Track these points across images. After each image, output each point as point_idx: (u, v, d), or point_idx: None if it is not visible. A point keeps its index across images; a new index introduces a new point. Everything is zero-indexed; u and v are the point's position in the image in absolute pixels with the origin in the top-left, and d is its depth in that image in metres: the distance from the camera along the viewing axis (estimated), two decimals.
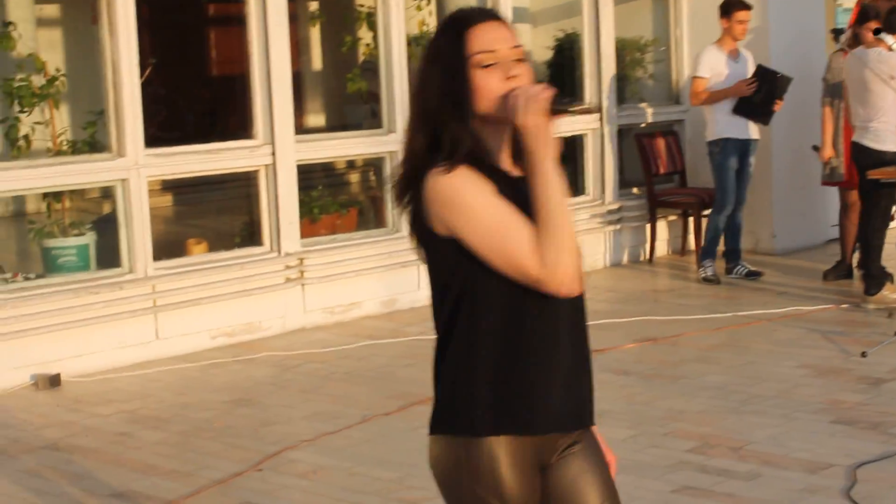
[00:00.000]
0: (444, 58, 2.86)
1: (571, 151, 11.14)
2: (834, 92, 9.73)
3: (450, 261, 2.87)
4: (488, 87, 2.83)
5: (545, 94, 2.77)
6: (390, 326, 9.02)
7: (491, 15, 2.91)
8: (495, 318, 2.86)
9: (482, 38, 2.83)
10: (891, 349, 7.73)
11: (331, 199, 9.93)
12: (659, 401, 6.98)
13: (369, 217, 10.08)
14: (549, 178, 2.76)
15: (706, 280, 9.98)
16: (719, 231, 10.08)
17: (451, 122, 2.84)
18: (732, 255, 10.20)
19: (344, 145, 9.72)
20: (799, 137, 10.69)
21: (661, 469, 5.83)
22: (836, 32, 9.75)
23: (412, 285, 9.56)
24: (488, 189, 2.81)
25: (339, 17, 11.68)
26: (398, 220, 9.57)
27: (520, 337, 2.87)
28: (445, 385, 2.97)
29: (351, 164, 11.01)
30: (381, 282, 9.45)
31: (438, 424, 3.01)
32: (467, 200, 2.79)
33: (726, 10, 9.96)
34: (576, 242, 2.78)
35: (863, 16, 9.50)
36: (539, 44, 12.08)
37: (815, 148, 10.08)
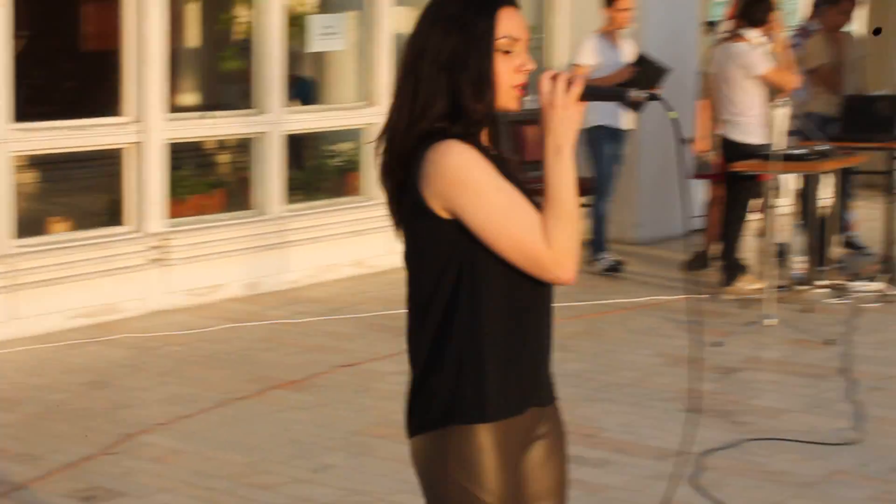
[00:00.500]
0: (475, 34, 2.75)
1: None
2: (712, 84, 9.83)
3: (445, 240, 2.75)
4: (502, 72, 2.77)
5: (579, 79, 2.74)
6: (253, 309, 8.95)
7: (513, 1, 2.83)
8: (499, 301, 2.78)
9: (511, 22, 2.77)
10: (744, 339, 7.87)
11: (199, 179, 9.81)
12: None
13: (237, 198, 9.97)
14: (568, 163, 2.73)
15: (606, 272, 9.91)
16: (603, 219, 10.09)
17: (470, 100, 2.75)
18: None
19: (215, 125, 9.60)
20: (667, 128, 10.77)
21: None
22: (710, 24, 9.85)
23: (277, 268, 9.50)
24: (493, 170, 2.73)
25: None
26: (265, 202, 9.50)
27: (521, 318, 2.82)
28: (449, 375, 2.79)
29: (221, 144, 10.89)
30: (246, 264, 9.36)
31: (443, 416, 2.80)
32: (476, 179, 2.69)
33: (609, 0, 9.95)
34: (580, 231, 2.75)
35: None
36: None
37: (685, 141, 10.19)
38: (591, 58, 9.88)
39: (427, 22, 2.79)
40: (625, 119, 10.02)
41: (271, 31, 9.40)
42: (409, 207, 2.78)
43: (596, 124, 9.88)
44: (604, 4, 9.95)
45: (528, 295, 2.81)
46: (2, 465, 5.77)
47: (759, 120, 8.87)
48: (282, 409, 6.63)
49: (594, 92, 2.79)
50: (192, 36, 12.70)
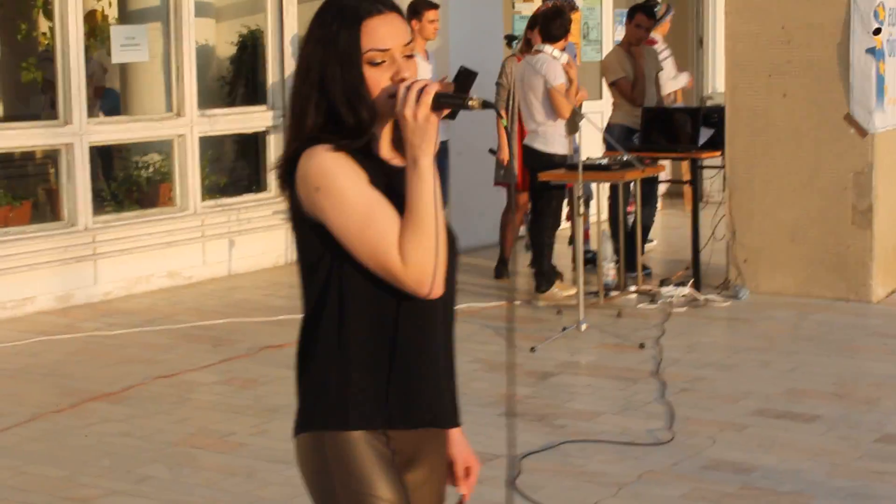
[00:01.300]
0: (338, 49, 2.73)
1: (250, 147, 11.14)
2: (509, 96, 10.01)
3: (315, 248, 2.75)
4: (377, 84, 2.74)
5: (431, 87, 2.68)
6: (65, 322, 8.78)
7: (388, 5, 2.78)
8: (365, 307, 2.74)
9: (376, 34, 2.73)
10: (558, 344, 8.01)
11: (2, 191, 9.58)
12: None
13: (45, 210, 9.77)
14: (425, 176, 2.66)
15: None
16: None
17: (346, 114, 2.73)
18: None
19: (18, 136, 9.40)
20: (478, 138, 10.91)
21: None
22: (510, 39, 10.03)
23: (88, 280, 9.35)
24: (361, 177, 2.69)
25: (16, 4, 11.29)
26: (74, 213, 9.33)
27: (391, 327, 2.75)
28: (314, 378, 2.80)
29: (27, 156, 10.64)
30: (57, 276, 9.19)
31: (310, 420, 2.80)
32: (337, 184, 2.66)
33: (416, 12, 9.88)
34: (443, 244, 2.67)
35: (532, 21, 9.86)
36: (222, 39, 11.99)
37: (493, 151, 10.35)
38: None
39: (304, 40, 2.80)
40: (441, 131, 10.08)
41: (73, 42, 9.25)
42: (291, 214, 2.77)
43: None
44: (410, 16, 10.00)
45: (401, 308, 2.75)
46: None
47: (560, 130, 9.06)
48: (97, 422, 6.52)
49: (440, 99, 2.73)
50: None
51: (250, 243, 10.56)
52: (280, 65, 10.80)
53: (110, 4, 10.83)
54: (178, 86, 10.15)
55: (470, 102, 2.74)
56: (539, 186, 9.17)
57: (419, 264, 2.65)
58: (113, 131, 9.97)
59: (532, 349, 7.87)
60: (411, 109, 2.66)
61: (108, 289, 9.48)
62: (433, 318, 2.82)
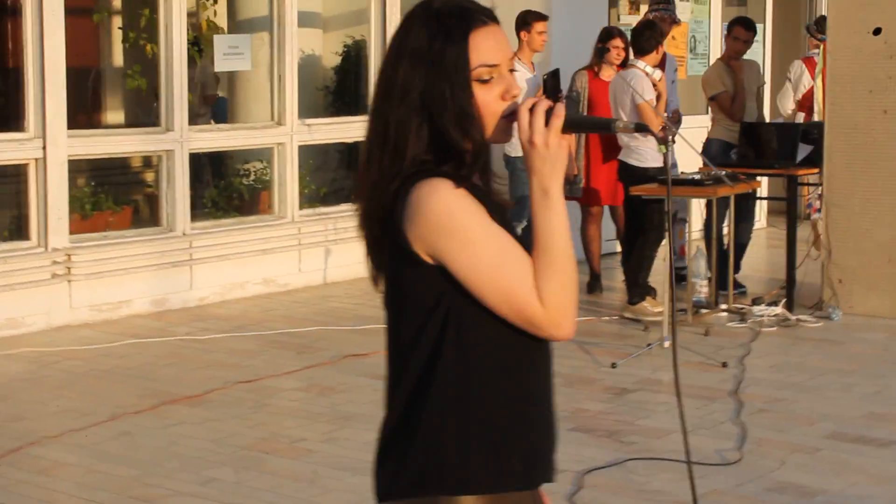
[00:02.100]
0: (445, 67, 2.45)
1: (351, 156, 11.30)
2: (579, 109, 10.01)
3: (431, 289, 2.46)
4: (486, 104, 2.48)
5: (560, 109, 2.43)
6: (158, 326, 9.01)
7: (490, 15, 2.52)
8: (488, 358, 2.48)
9: (484, 48, 2.47)
10: (642, 361, 8.01)
11: (104, 195, 9.86)
12: None
13: (144, 216, 10.03)
14: (558, 207, 2.43)
15: None
16: None
17: (456, 138, 2.47)
18: None
19: (119, 142, 9.66)
20: None
21: None
22: (599, 51, 10.04)
23: (184, 285, 9.57)
24: (485, 214, 2.43)
25: (123, 12, 11.61)
26: (173, 219, 9.57)
27: (516, 378, 2.51)
28: (426, 435, 2.48)
29: (130, 162, 10.95)
30: (153, 281, 9.43)
31: (419, 484, 2.50)
32: (465, 225, 2.40)
33: (525, 22, 9.93)
34: (577, 281, 2.47)
35: (606, 34, 9.87)
36: (328, 49, 12.18)
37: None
38: (519, 83, 9.96)
39: (392, 57, 2.50)
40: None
41: (176, 50, 9.49)
42: (391, 251, 2.49)
43: (516, 153, 9.92)
44: (519, 28, 10.04)
45: (525, 353, 2.51)
46: None
47: (653, 145, 9.05)
48: (174, 424, 6.70)
49: (577, 123, 2.56)
50: (98, 54, 12.76)
51: (346, 252, 10.68)
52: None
53: (215, 14, 11.06)
54: (279, 95, 10.34)
55: (618, 125, 2.51)
56: (639, 201, 9.17)
57: (559, 305, 2.42)
58: (214, 139, 10.20)
59: (613, 365, 7.89)
60: (542, 136, 2.42)
61: (203, 294, 9.70)
62: (549, 365, 2.61)
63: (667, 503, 5.62)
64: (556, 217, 2.43)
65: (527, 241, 2.47)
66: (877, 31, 8.90)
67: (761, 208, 13.34)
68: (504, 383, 2.49)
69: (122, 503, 5.52)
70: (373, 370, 7.83)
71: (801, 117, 11.69)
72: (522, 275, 2.41)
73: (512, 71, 2.52)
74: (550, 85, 9.78)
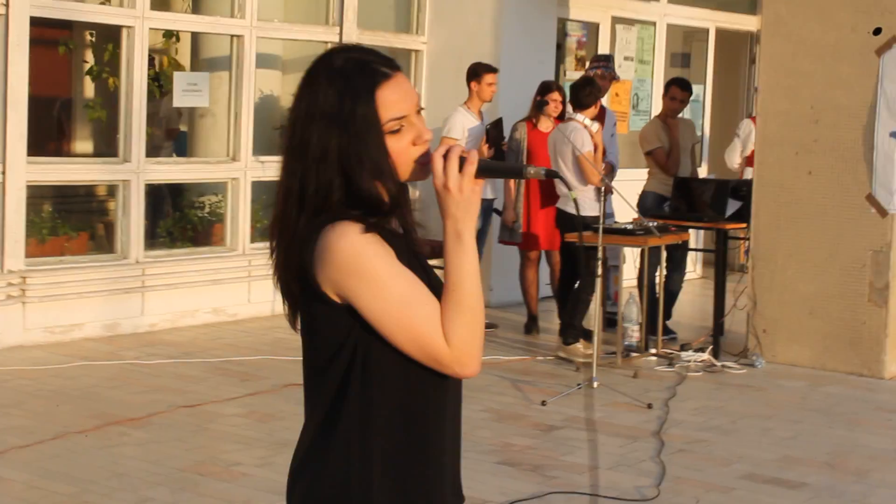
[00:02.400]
0: (356, 127, 2.46)
1: None
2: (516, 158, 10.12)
3: (339, 328, 2.47)
4: (398, 153, 2.49)
5: (473, 156, 2.45)
6: (108, 349, 8.99)
7: (392, 65, 2.52)
8: (394, 395, 2.48)
9: (391, 102, 2.47)
10: (571, 400, 8.06)
11: (62, 221, 9.85)
12: None
13: (100, 242, 10.02)
14: (470, 251, 2.44)
15: None
16: None
17: (369, 190, 2.47)
18: None
19: (78, 170, 9.68)
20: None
21: None
22: (538, 104, 10.15)
23: (136, 311, 9.56)
24: (393, 256, 2.44)
25: (89, 46, 11.63)
26: (126, 246, 9.57)
27: (421, 415, 2.51)
28: (333, 467, 2.50)
29: (89, 190, 10.95)
30: (105, 306, 9.42)
31: None
32: (372, 267, 2.40)
33: (476, 74, 10.06)
34: (483, 321, 2.45)
35: (544, 88, 10.01)
36: (285, 90, 12.21)
37: (497, 212, 10.42)
38: (460, 131, 10.06)
39: (304, 117, 2.49)
40: (488, 190, 10.18)
41: (136, 85, 9.52)
42: (304, 291, 2.49)
43: None
44: (470, 78, 10.14)
45: (431, 391, 2.51)
46: None
47: (591, 195, 9.15)
48: (115, 445, 6.69)
49: (489, 168, 2.53)
50: (59, 84, 12.76)
51: None
52: None
53: (177, 52, 11.09)
54: (235, 132, 10.38)
55: (529, 171, 2.53)
56: (575, 247, 9.25)
57: (464, 344, 2.41)
58: (169, 171, 10.23)
59: (543, 402, 7.94)
60: (455, 182, 2.43)
61: (154, 320, 9.69)
62: (456, 399, 2.61)
63: None
64: (467, 260, 2.43)
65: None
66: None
67: (696, 259, 13.49)
68: (407, 423, 2.49)
69: None
70: None
71: (749, 172, 11.81)
72: (428, 315, 2.41)
73: (419, 111, 2.54)
74: (493, 134, 9.92)
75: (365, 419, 2.46)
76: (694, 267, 13.22)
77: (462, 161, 2.45)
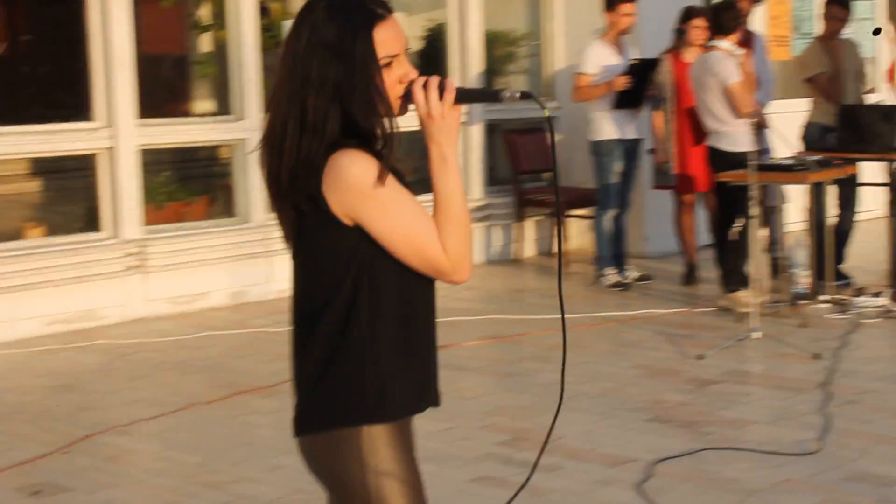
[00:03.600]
0: (356, 60, 2.94)
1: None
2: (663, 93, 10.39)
3: (344, 246, 2.98)
4: (388, 87, 2.98)
5: (450, 84, 2.95)
6: (235, 318, 9.51)
7: (386, 7, 3.01)
8: (394, 304, 3.04)
9: (386, 40, 2.96)
10: (729, 353, 8.32)
11: (179, 185, 10.38)
12: (485, 396, 7.55)
13: (219, 206, 10.52)
14: (454, 170, 2.97)
15: (613, 287, 10.47)
16: (606, 234, 10.58)
17: (364, 121, 2.96)
18: (617, 261, 10.68)
19: (190, 131, 10.17)
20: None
21: (465, 460, 6.37)
22: (677, 33, 10.33)
23: (261, 277, 10.04)
24: (396, 182, 2.96)
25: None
26: (247, 210, 10.05)
27: (415, 319, 3.09)
28: (347, 373, 3.05)
29: (202, 151, 11.46)
30: (230, 273, 9.92)
31: (330, 416, 3.08)
32: (380, 192, 2.91)
33: (611, 3, 10.33)
34: (471, 233, 3.03)
35: (686, 14, 10.18)
36: (410, 33, 12.60)
37: (651, 151, 10.67)
38: (594, 66, 10.34)
39: (303, 47, 2.96)
40: (636, 129, 10.45)
41: (246, 39, 9.98)
42: (310, 216, 2.98)
43: (609, 137, 10.36)
44: (605, 8, 10.40)
45: (420, 297, 3.09)
46: None
47: (745, 128, 9.31)
48: (244, 414, 7.18)
49: (467, 95, 3.02)
50: (169, 41, 13.31)
51: None
52: (461, 59, 11.37)
53: (283, 2, 11.53)
54: None
55: (504, 94, 3.00)
56: (731, 187, 9.43)
57: (458, 254, 2.99)
58: None
59: (699, 356, 8.21)
60: (437, 109, 2.96)
61: (281, 287, 10.15)
62: (432, 307, 3.17)
63: (736, 491, 5.92)
64: (453, 180, 3.00)
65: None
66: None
67: (878, 195, 13.50)
68: (405, 327, 3.07)
69: (188, 489, 5.99)
70: (452, 361, 8.24)
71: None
72: (429, 232, 2.97)
73: (407, 51, 3.03)
74: (638, 73, 10.11)
75: (374, 330, 3.03)
76: (875, 204, 13.25)
77: (441, 90, 2.96)
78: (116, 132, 9.28)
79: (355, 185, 2.91)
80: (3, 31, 15.31)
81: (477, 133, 11.47)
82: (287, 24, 10.55)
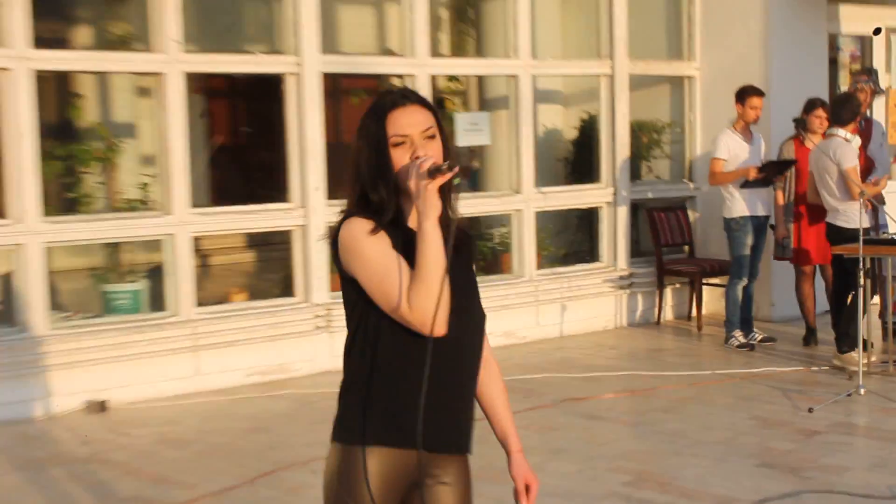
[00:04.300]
0: (370, 137, 3.20)
1: (588, 222, 11.90)
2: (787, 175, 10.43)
3: (351, 296, 3.22)
4: (400, 162, 3.17)
5: (426, 163, 3.07)
6: None
7: (408, 98, 3.22)
8: (389, 349, 3.18)
9: (397, 123, 3.17)
10: (838, 407, 8.32)
11: None
12: (614, 442, 7.67)
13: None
14: (427, 237, 3.05)
15: (740, 347, 10.50)
16: (737, 301, 10.61)
17: (370, 189, 3.19)
18: (745, 324, 10.72)
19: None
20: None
21: (591, 497, 6.51)
22: (797, 122, 10.38)
23: None
24: (384, 241, 3.13)
25: (377, 92, 12.54)
26: None
27: (398, 365, 3.18)
28: (342, 399, 3.29)
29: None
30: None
31: (334, 433, 3.31)
32: (362, 248, 3.13)
33: (741, 97, 10.48)
34: (444, 292, 3.06)
35: (809, 105, 10.22)
36: (567, 124, 12.86)
37: (772, 226, 10.70)
38: (726, 152, 10.47)
39: (356, 133, 3.27)
40: (765, 207, 10.52)
41: None
42: (337, 268, 3.28)
43: (742, 214, 10.46)
44: (736, 101, 10.55)
45: (412, 347, 3.13)
46: (162, 491, 6.72)
47: (858, 208, 9.31)
48: None
49: (432, 170, 3.07)
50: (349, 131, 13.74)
51: (581, 308, 11.30)
52: (611, 146, 11.55)
53: (460, 94, 11.87)
54: (517, 166, 11.06)
55: (443, 168, 3.06)
56: (848, 259, 9.43)
57: (421, 308, 3.07)
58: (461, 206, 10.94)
59: (810, 409, 8.23)
60: (414, 181, 3.10)
61: None
62: (450, 361, 3.22)
63: None
64: (426, 243, 3.07)
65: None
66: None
67: None
68: (401, 371, 3.18)
69: None
70: (587, 411, 8.42)
71: None
72: (398, 287, 3.10)
73: (431, 137, 3.21)
74: (772, 169, 10.24)
75: (367, 367, 3.22)
76: None
77: (434, 171, 3.06)
78: (308, 212, 9.67)
79: (346, 244, 3.17)
80: (224, 125, 16.01)
81: (623, 211, 11.62)
82: (459, 117, 10.93)
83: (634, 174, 11.96)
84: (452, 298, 3.15)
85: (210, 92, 14.85)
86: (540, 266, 11.23)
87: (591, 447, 7.51)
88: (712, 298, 11.93)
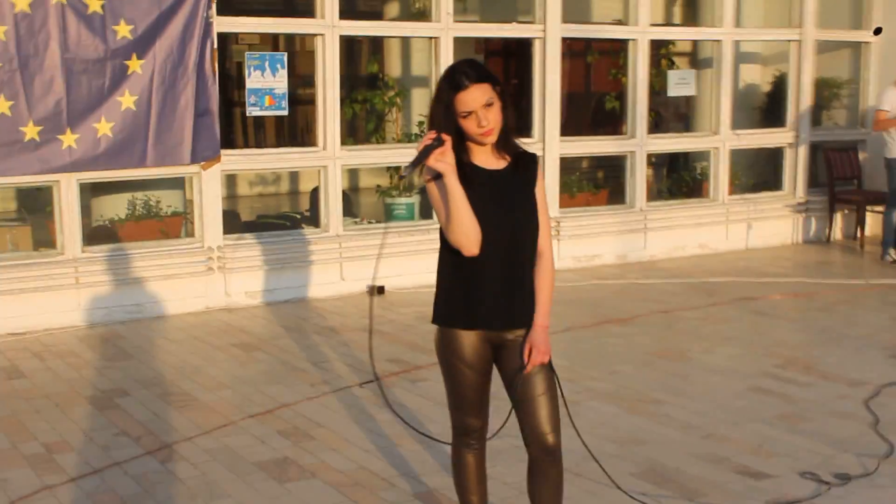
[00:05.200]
0: (447, 110, 3.36)
1: (774, 158, 11.47)
2: None
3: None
4: (467, 128, 3.37)
5: (427, 137, 3.33)
6: (617, 273, 9.71)
7: (475, 78, 3.34)
8: (443, 252, 3.48)
9: (464, 101, 3.33)
10: None
11: (586, 181, 10.66)
12: (773, 333, 7.46)
13: (615, 196, 10.73)
14: (450, 188, 3.29)
15: (893, 263, 9.99)
16: (893, 225, 10.06)
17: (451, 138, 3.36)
18: None
19: (601, 145, 10.42)
20: None
21: (745, 374, 6.39)
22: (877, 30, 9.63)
23: (639, 246, 10.22)
24: (443, 185, 3.32)
25: (607, 52, 12.37)
26: (633, 199, 10.24)
27: (463, 266, 3.41)
28: (437, 290, 3.56)
29: (606, 160, 11.68)
30: (617, 242, 10.15)
31: (434, 316, 3.56)
32: (429, 186, 3.41)
33: None
34: (468, 224, 3.31)
35: None
36: (763, 80, 12.37)
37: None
38: (888, 104, 9.92)
39: (434, 94, 3.44)
40: None
41: (640, 84, 10.11)
42: None
43: (894, 155, 9.93)
44: None
45: (480, 252, 3.36)
46: (414, 356, 6.93)
47: None
48: (604, 336, 7.41)
49: (417, 162, 3.30)
50: (588, 83, 13.55)
51: (763, 227, 10.94)
52: (797, 98, 11.05)
53: (667, 51, 11.57)
54: (715, 112, 10.72)
55: (402, 170, 3.45)
56: None
57: (453, 234, 3.35)
58: (664, 144, 10.73)
59: None
60: (436, 157, 3.32)
61: (653, 252, 10.31)
62: (490, 259, 3.39)
63: None
64: (451, 194, 3.30)
65: None
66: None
67: None
68: (460, 270, 3.42)
69: None
70: (757, 308, 8.20)
71: None
72: (441, 218, 3.38)
73: (489, 105, 3.35)
74: None
75: (441, 266, 3.50)
76: None
77: (416, 162, 3.27)
78: (547, 144, 9.66)
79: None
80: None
81: (803, 150, 11.13)
82: (670, 73, 10.66)
83: (815, 121, 11.41)
84: (504, 208, 3.38)
85: (488, 52, 14.93)
86: (732, 192, 10.91)
87: (753, 336, 7.33)
88: (874, 223, 11.34)
